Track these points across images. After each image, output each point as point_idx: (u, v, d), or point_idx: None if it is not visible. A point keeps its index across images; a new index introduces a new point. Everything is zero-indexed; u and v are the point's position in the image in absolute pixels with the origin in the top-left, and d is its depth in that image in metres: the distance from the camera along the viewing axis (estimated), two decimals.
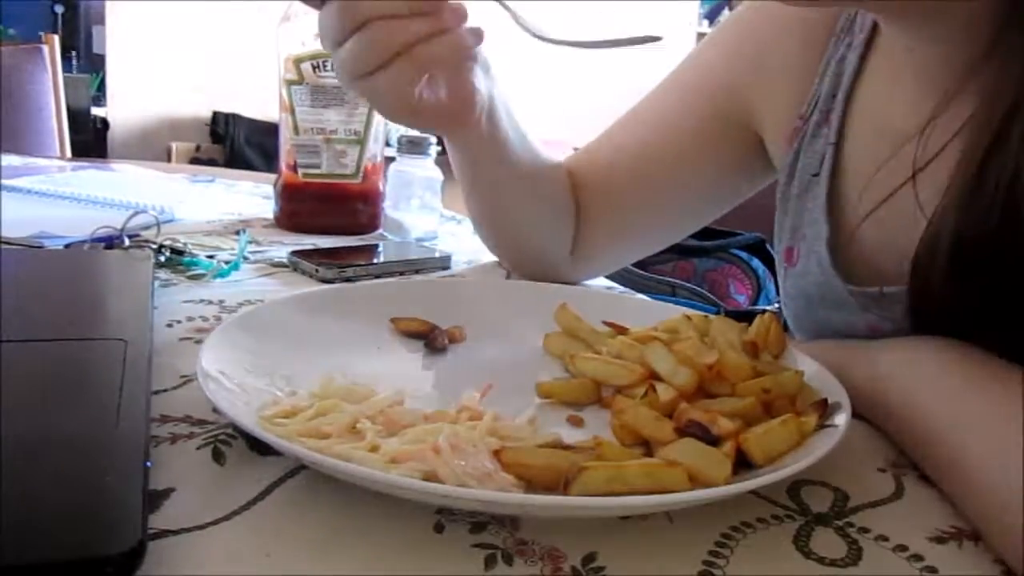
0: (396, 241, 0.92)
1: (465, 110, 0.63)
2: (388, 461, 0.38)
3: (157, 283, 0.67)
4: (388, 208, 0.95)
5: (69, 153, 2.07)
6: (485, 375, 0.51)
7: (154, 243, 0.78)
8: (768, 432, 0.40)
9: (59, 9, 3.90)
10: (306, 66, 0.88)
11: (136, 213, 0.82)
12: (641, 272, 1.60)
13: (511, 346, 0.57)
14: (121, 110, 3.43)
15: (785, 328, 0.58)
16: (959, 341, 0.48)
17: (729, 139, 0.73)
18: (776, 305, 1.67)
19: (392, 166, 0.96)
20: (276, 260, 0.80)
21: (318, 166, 0.91)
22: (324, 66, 0.88)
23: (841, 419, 0.43)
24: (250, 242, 0.85)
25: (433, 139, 0.99)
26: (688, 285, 1.62)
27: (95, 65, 3.73)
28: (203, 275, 0.73)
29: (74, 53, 3.80)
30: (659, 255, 1.67)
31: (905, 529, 0.39)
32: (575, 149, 0.83)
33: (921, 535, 0.38)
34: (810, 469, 0.38)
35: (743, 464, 0.40)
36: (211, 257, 0.76)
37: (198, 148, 3.49)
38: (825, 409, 0.44)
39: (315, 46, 0.87)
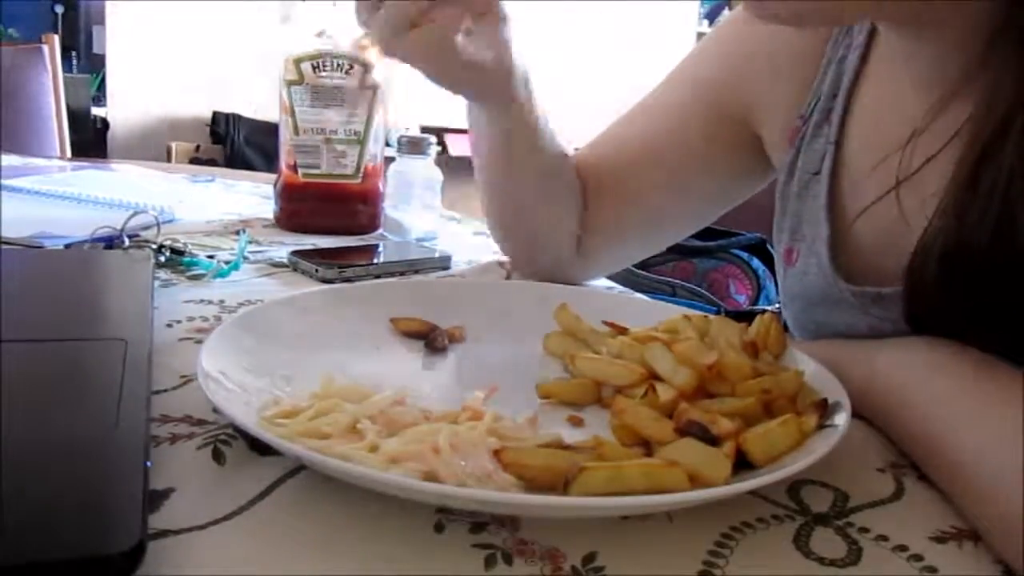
0: (396, 241, 0.92)
1: (504, 75, 0.65)
2: (388, 461, 0.38)
3: (157, 283, 0.67)
4: (388, 208, 0.95)
5: (69, 153, 2.07)
6: (485, 375, 0.51)
7: (154, 243, 0.77)
8: (768, 432, 0.40)
9: (59, 9, 3.90)
10: (306, 66, 0.88)
11: (136, 213, 0.82)
12: (641, 272, 1.60)
13: (511, 346, 0.57)
14: (121, 110, 3.43)
15: (785, 328, 0.58)
16: (956, 341, 0.48)
17: (729, 140, 0.73)
18: (776, 305, 1.67)
19: (392, 166, 0.96)
20: (276, 260, 0.80)
21: (318, 166, 0.91)
22: (324, 66, 0.88)
23: (841, 419, 0.43)
24: (250, 242, 0.85)
25: (433, 139, 0.99)
26: (688, 285, 1.62)
27: (95, 65, 3.73)
28: (203, 275, 0.73)
29: (74, 53, 3.80)
30: (659, 255, 1.67)
31: (905, 529, 0.39)
32: (576, 149, 0.83)
33: (921, 535, 0.38)
34: (810, 469, 0.38)
35: (743, 464, 0.40)
36: (211, 257, 0.76)
37: (198, 148, 3.49)
38: (825, 409, 0.44)
39: (315, 46, 0.87)
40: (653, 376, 0.47)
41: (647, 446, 0.42)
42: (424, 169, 0.95)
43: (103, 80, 3.51)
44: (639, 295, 0.79)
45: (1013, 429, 0.39)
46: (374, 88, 0.89)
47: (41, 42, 2.06)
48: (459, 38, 0.60)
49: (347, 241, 0.90)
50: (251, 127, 3.52)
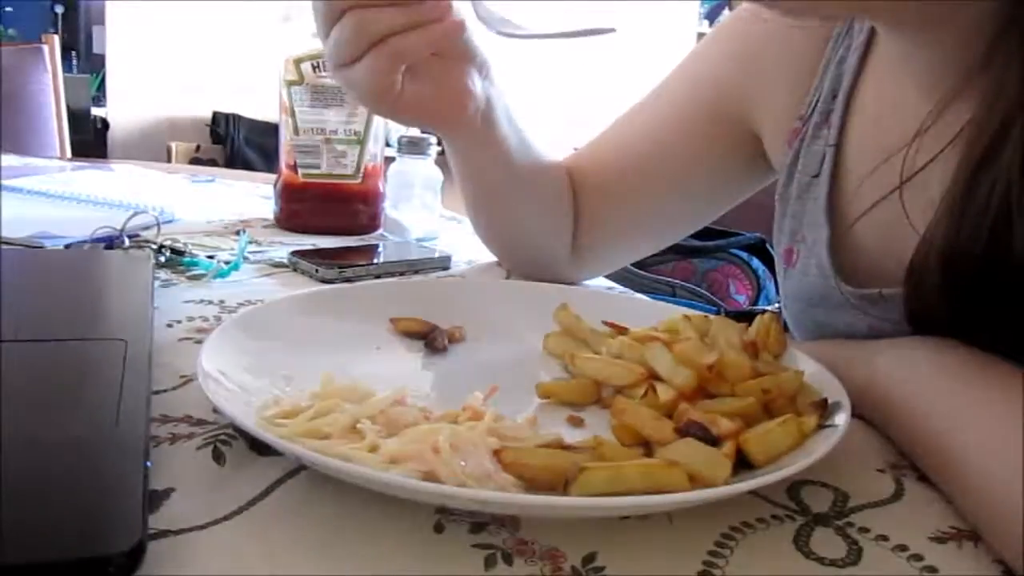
0: (396, 241, 0.92)
1: (455, 108, 0.62)
2: (388, 461, 0.38)
3: (157, 283, 0.67)
4: (388, 208, 0.95)
5: (69, 153, 2.07)
6: (485, 375, 0.51)
7: (154, 243, 0.78)
8: (768, 432, 0.40)
9: (59, 9, 3.90)
10: (306, 66, 0.88)
11: (136, 213, 0.82)
12: (641, 272, 1.60)
13: (511, 346, 0.57)
14: (121, 110, 3.43)
15: (785, 328, 0.58)
16: (956, 341, 0.48)
17: (728, 140, 0.73)
18: (776, 305, 1.67)
19: (392, 166, 0.96)
20: (276, 260, 0.80)
21: (318, 166, 0.91)
22: (324, 66, 0.88)
23: (841, 419, 0.43)
24: (250, 242, 0.85)
25: (433, 139, 0.99)
26: (688, 285, 1.62)
27: (95, 65, 3.73)
28: (203, 275, 0.73)
29: (74, 53, 3.80)
30: (659, 255, 1.67)
31: (905, 529, 0.39)
32: (575, 149, 0.83)
33: (921, 535, 0.38)
34: (810, 469, 0.38)
35: (743, 464, 0.40)
36: (211, 257, 0.76)
37: (198, 148, 3.49)
38: (825, 409, 0.44)
39: (315, 46, 0.87)
40: (653, 376, 0.47)
41: (647, 446, 0.42)
42: (424, 169, 0.95)
43: (103, 80, 3.51)
44: (639, 295, 0.79)
45: (1013, 429, 0.39)
46: None
47: (41, 42, 2.06)
48: (401, 76, 0.57)
49: (347, 241, 0.90)
50: (251, 127, 3.53)
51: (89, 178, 1.16)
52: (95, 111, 3.52)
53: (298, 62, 0.88)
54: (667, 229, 0.81)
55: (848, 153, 0.62)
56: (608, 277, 0.85)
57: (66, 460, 0.35)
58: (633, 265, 1.56)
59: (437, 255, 0.84)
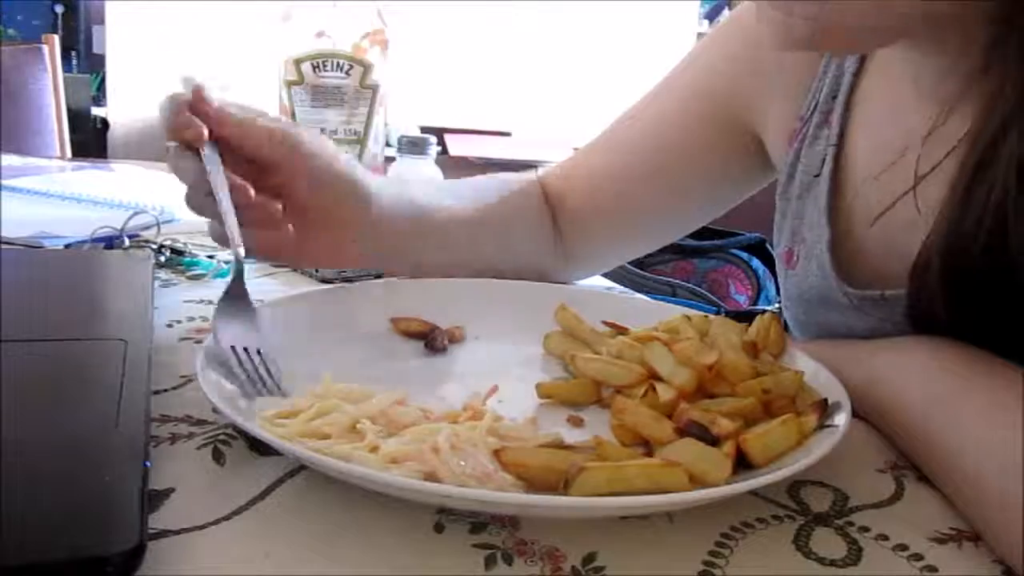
0: None
1: (343, 251, 0.62)
2: (388, 461, 0.38)
3: (157, 283, 0.67)
4: None
5: (69, 153, 2.06)
6: (485, 375, 0.51)
7: (154, 243, 0.78)
8: (768, 432, 0.40)
9: (59, 9, 3.89)
10: (306, 66, 0.88)
11: (136, 213, 0.82)
12: (641, 272, 1.60)
13: (511, 346, 0.57)
14: (121, 110, 3.43)
15: (785, 328, 0.58)
16: (956, 341, 0.48)
17: (729, 143, 0.73)
18: (776, 305, 1.67)
19: (392, 166, 0.96)
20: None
21: None
22: (324, 66, 0.88)
23: (841, 419, 0.43)
24: None
25: (433, 139, 0.99)
26: (688, 285, 1.62)
27: (95, 65, 3.73)
28: (203, 275, 0.73)
29: (74, 53, 3.80)
30: (659, 255, 1.67)
31: (905, 529, 0.39)
32: (575, 149, 0.83)
33: (921, 535, 0.38)
34: (810, 469, 0.38)
35: (743, 464, 0.40)
36: (211, 257, 0.76)
37: None
38: (825, 409, 0.44)
39: (315, 46, 0.87)
40: (653, 376, 0.47)
41: (647, 446, 0.42)
42: (424, 169, 0.95)
43: (103, 80, 3.51)
44: (639, 295, 0.79)
45: (1013, 429, 0.39)
46: (374, 88, 0.89)
47: (41, 42, 2.06)
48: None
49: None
50: None
51: (89, 178, 1.16)
52: (95, 111, 3.51)
53: (298, 62, 0.88)
54: (664, 231, 0.81)
55: (849, 153, 0.62)
56: (608, 277, 0.85)
57: (66, 460, 0.35)
58: (633, 265, 1.55)
59: None
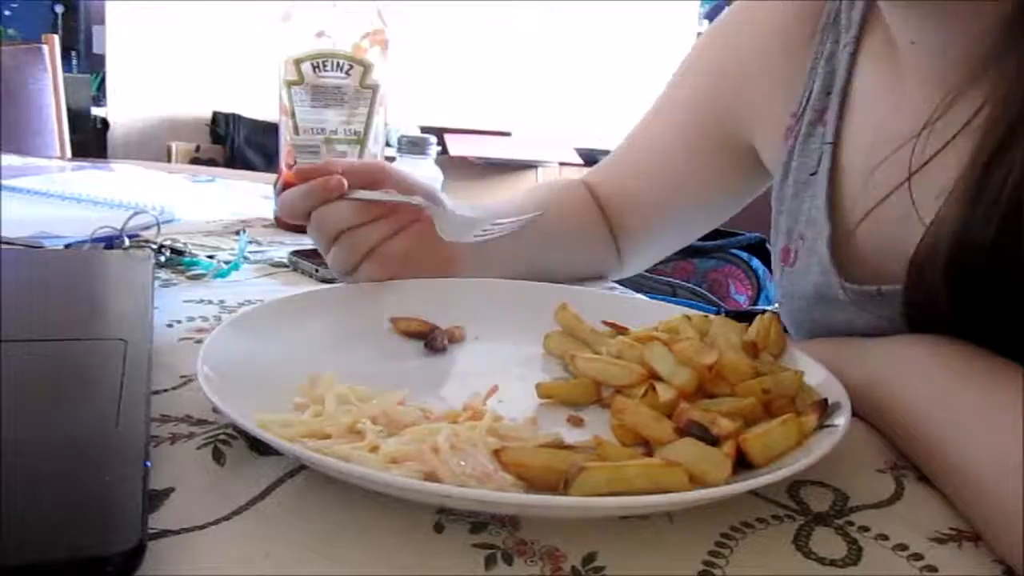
0: None
1: (451, 265, 0.65)
2: (388, 461, 0.38)
3: (157, 283, 0.67)
4: None
5: (69, 153, 2.06)
6: (485, 375, 0.51)
7: (154, 243, 0.78)
8: (768, 432, 0.40)
9: (59, 9, 3.89)
10: (306, 66, 0.88)
11: (136, 213, 0.82)
12: (641, 272, 1.60)
13: (511, 346, 0.57)
14: (121, 110, 3.42)
15: (783, 328, 0.58)
16: (954, 339, 0.48)
17: (726, 157, 0.76)
18: (776, 305, 1.66)
19: (392, 165, 0.96)
20: (276, 260, 0.80)
21: None
22: (324, 66, 0.88)
23: (841, 419, 0.43)
24: (250, 242, 0.85)
25: (433, 139, 0.99)
26: (688, 285, 1.62)
27: (95, 65, 3.73)
28: (203, 275, 0.73)
29: (74, 53, 3.80)
30: None
31: (905, 529, 0.39)
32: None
33: (921, 535, 0.38)
34: (810, 469, 0.38)
35: (743, 464, 0.40)
36: (211, 257, 0.76)
37: (198, 148, 3.49)
38: (825, 409, 0.44)
39: (315, 46, 0.87)
40: (653, 376, 0.47)
41: (647, 446, 0.42)
42: (424, 169, 0.95)
43: (103, 80, 3.51)
44: (639, 295, 0.79)
45: (1012, 428, 0.39)
46: (374, 88, 0.89)
47: (41, 42, 2.06)
48: (400, 250, 0.61)
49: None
50: (251, 127, 3.52)
51: (89, 178, 1.16)
52: (95, 111, 3.52)
53: (298, 62, 0.88)
54: (689, 233, 0.86)
55: (846, 150, 0.62)
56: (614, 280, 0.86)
57: (66, 460, 0.35)
58: None
59: None
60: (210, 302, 0.65)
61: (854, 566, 0.36)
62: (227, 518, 0.36)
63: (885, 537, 0.38)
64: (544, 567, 0.34)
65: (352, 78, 0.88)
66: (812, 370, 0.49)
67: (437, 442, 0.38)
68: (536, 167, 3.41)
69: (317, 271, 0.75)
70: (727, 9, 0.77)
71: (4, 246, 0.74)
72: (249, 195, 1.14)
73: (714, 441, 0.40)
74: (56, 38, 2.09)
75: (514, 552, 0.35)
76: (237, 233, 0.89)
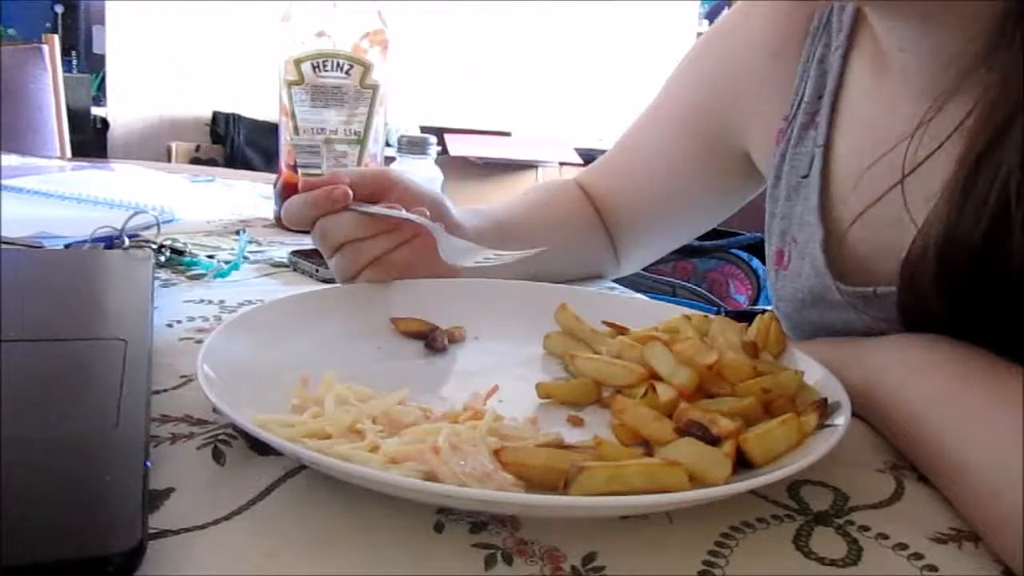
0: None
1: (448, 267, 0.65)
2: (388, 461, 0.38)
3: (157, 283, 0.67)
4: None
5: (69, 153, 2.06)
6: (485, 375, 0.51)
7: (154, 243, 0.78)
8: (768, 432, 0.40)
9: (59, 9, 3.89)
10: (306, 66, 0.88)
11: (136, 213, 0.82)
12: (641, 272, 1.60)
13: (511, 346, 0.57)
14: (121, 110, 3.42)
15: None
16: (950, 338, 0.48)
17: (720, 162, 0.76)
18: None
19: (392, 166, 0.96)
20: (276, 260, 0.80)
21: (318, 166, 0.91)
22: (324, 66, 0.88)
23: (841, 419, 0.43)
24: (250, 242, 0.85)
25: (433, 139, 0.99)
26: (688, 285, 1.62)
27: (95, 65, 3.73)
28: (203, 275, 0.73)
29: (74, 53, 3.80)
30: None
31: (905, 529, 0.39)
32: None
33: (921, 535, 0.38)
34: (810, 469, 0.38)
35: (743, 464, 0.40)
36: (211, 257, 0.76)
37: (198, 148, 3.49)
38: (825, 409, 0.44)
39: (315, 46, 0.87)
40: (653, 376, 0.47)
41: (647, 446, 0.42)
42: (424, 169, 0.95)
43: (103, 80, 3.51)
44: (639, 295, 0.79)
45: (1011, 428, 0.39)
46: (374, 88, 0.89)
47: (41, 42, 2.06)
48: (402, 261, 0.62)
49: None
50: (251, 127, 3.52)
51: (89, 178, 1.16)
52: (95, 111, 3.52)
53: (298, 62, 0.88)
54: (686, 233, 0.86)
55: (838, 153, 0.62)
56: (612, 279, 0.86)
57: (66, 460, 0.35)
58: None
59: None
60: (210, 302, 0.65)
61: (854, 566, 0.36)
62: (227, 518, 0.36)
63: (885, 537, 0.38)
64: (544, 567, 0.34)
65: (352, 78, 0.88)
66: (812, 370, 0.49)
67: (437, 442, 0.38)
68: (536, 167, 3.41)
69: (317, 271, 0.75)
70: (722, 15, 0.78)
71: (4, 246, 0.74)
72: (249, 195, 1.14)
73: (714, 441, 0.40)
74: (56, 38, 2.09)
75: (514, 552, 0.35)
76: (237, 233, 0.89)
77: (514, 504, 0.36)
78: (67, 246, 0.77)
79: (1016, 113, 0.45)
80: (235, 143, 3.52)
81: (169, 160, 3.31)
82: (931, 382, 0.46)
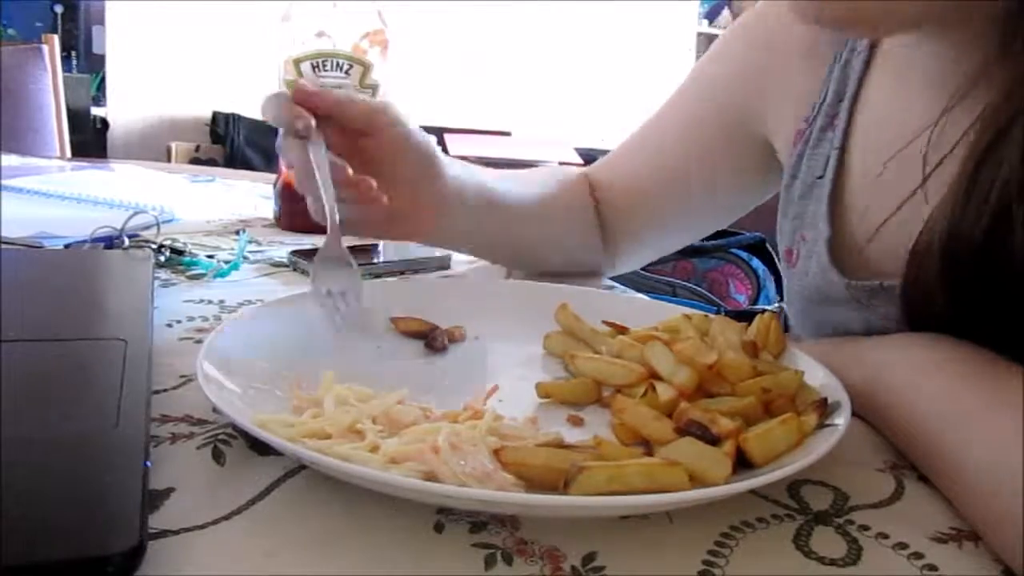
0: (396, 241, 0.92)
1: (425, 224, 0.65)
2: (388, 461, 0.38)
3: (157, 283, 0.67)
4: None
5: (69, 153, 2.06)
6: (485, 375, 0.51)
7: (154, 243, 0.78)
8: (768, 432, 0.40)
9: (59, 9, 3.89)
10: (306, 66, 0.88)
11: (136, 213, 0.82)
12: (641, 272, 1.60)
13: (511, 346, 0.57)
14: (121, 110, 3.43)
15: (786, 328, 0.58)
16: (952, 337, 0.48)
17: (743, 154, 0.75)
18: (776, 305, 1.67)
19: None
20: (276, 260, 0.80)
21: None
22: (324, 66, 0.88)
23: (841, 419, 0.43)
24: (250, 242, 0.85)
25: (433, 139, 0.99)
26: (688, 285, 1.62)
27: (95, 65, 3.73)
28: (203, 275, 0.73)
29: (74, 53, 3.80)
30: None
31: (905, 529, 0.39)
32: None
33: (921, 535, 0.38)
34: (810, 469, 0.38)
35: (743, 463, 0.40)
36: (211, 257, 0.76)
37: (198, 148, 3.49)
38: (825, 409, 0.44)
39: (315, 46, 0.87)
40: (653, 376, 0.47)
41: (647, 445, 0.42)
42: None
43: (103, 80, 3.51)
44: (639, 295, 0.79)
45: (1012, 428, 0.39)
46: (374, 88, 0.89)
47: (41, 42, 2.06)
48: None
49: (347, 241, 0.90)
50: (251, 127, 3.52)
51: (89, 178, 1.16)
52: (95, 111, 3.52)
53: (298, 62, 0.88)
54: (690, 232, 0.85)
55: (853, 154, 0.62)
56: (608, 277, 0.86)
57: (66, 460, 0.35)
58: None
59: (437, 255, 0.84)
60: (210, 302, 0.65)
61: (854, 565, 0.36)
62: (227, 518, 0.36)
63: (885, 536, 0.38)
64: (544, 567, 0.34)
65: (352, 78, 0.88)
66: (812, 370, 0.49)
67: (437, 442, 0.38)
68: (536, 167, 3.41)
69: None
70: (756, 4, 0.77)
71: (4, 246, 0.74)
72: (249, 195, 1.14)
73: (714, 440, 0.40)
74: (56, 38, 2.10)
75: (514, 552, 0.35)
76: (237, 233, 0.89)
77: (514, 504, 0.36)
78: (67, 246, 0.77)
79: (1017, 114, 0.45)
80: (235, 143, 3.52)
81: (169, 160, 3.31)
82: (932, 382, 0.46)
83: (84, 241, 0.77)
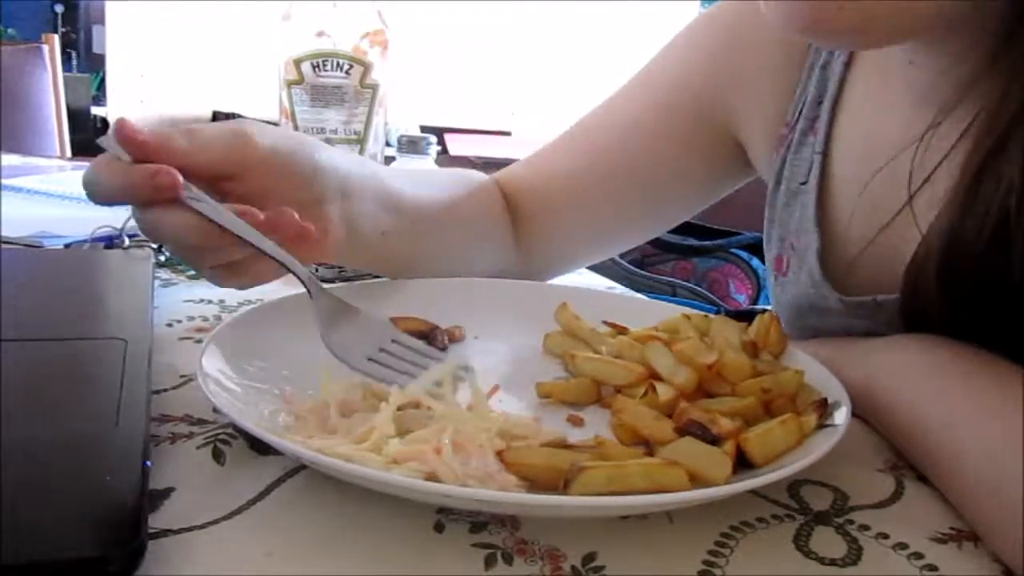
0: None
1: (324, 246, 0.55)
2: (389, 461, 0.38)
3: (157, 283, 0.67)
4: None
5: (69, 153, 2.07)
6: (485, 375, 0.51)
7: (154, 243, 0.77)
8: (768, 432, 0.40)
9: (59, 9, 3.89)
10: (306, 66, 0.88)
11: None
12: (641, 272, 1.60)
13: (511, 346, 0.57)
14: (121, 110, 3.43)
15: None
16: (950, 339, 0.48)
17: (706, 146, 0.71)
18: None
19: (392, 166, 0.96)
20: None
21: None
22: (324, 66, 0.88)
23: (841, 419, 0.43)
24: None
25: (432, 139, 0.99)
26: (688, 285, 1.62)
27: (95, 65, 3.73)
28: None
29: (74, 53, 3.80)
30: (659, 255, 1.67)
31: (905, 529, 0.39)
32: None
33: (921, 535, 0.38)
34: (810, 469, 0.38)
35: (743, 464, 0.40)
36: None
37: None
38: (825, 409, 0.44)
39: (315, 46, 0.87)
40: (653, 376, 0.47)
41: (647, 445, 0.42)
42: (424, 169, 0.95)
43: (103, 80, 3.51)
44: (639, 295, 0.79)
45: (1012, 428, 0.39)
46: (374, 88, 0.89)
47: (41, 42, 2.06)
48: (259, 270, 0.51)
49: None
50: None
51: None
52: (95, 111, 3.52)
53: (298, 62, 0.88)
54: (632, 233, 0.78)
55: (836, 160, 0.62)
56: (608, 277, 0.85)
57: (66, 460, 0.35)
58: (633, 265, 1.56)
59: None
60: (210, 302, 0.65)
61: (854, 565, 0.36)
62: (227, 518, 0.36)
63: (885, 536, 0.38)
64: (544, 567, 0.34)
65: (352, 78, 0.88)
66: (812, 369, 0.49)
67: (439, 443, 0.38)
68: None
69: (317, 271, 0.75)
70: (719, 4, 0.73)
71: (4, 246, 0.74)
72: None
73: (714, 440, 0.40)
74: (56, 38, 2.10)
75: (514, 552, 0.35)
76: None
77: (514, 504, 0.36)
78: (67, 246, 0.77)
79: (1015, 125, 0.45)
80: None
81: None
82: (931, 382, 0.46)
83: (84, 241, 0.77)
